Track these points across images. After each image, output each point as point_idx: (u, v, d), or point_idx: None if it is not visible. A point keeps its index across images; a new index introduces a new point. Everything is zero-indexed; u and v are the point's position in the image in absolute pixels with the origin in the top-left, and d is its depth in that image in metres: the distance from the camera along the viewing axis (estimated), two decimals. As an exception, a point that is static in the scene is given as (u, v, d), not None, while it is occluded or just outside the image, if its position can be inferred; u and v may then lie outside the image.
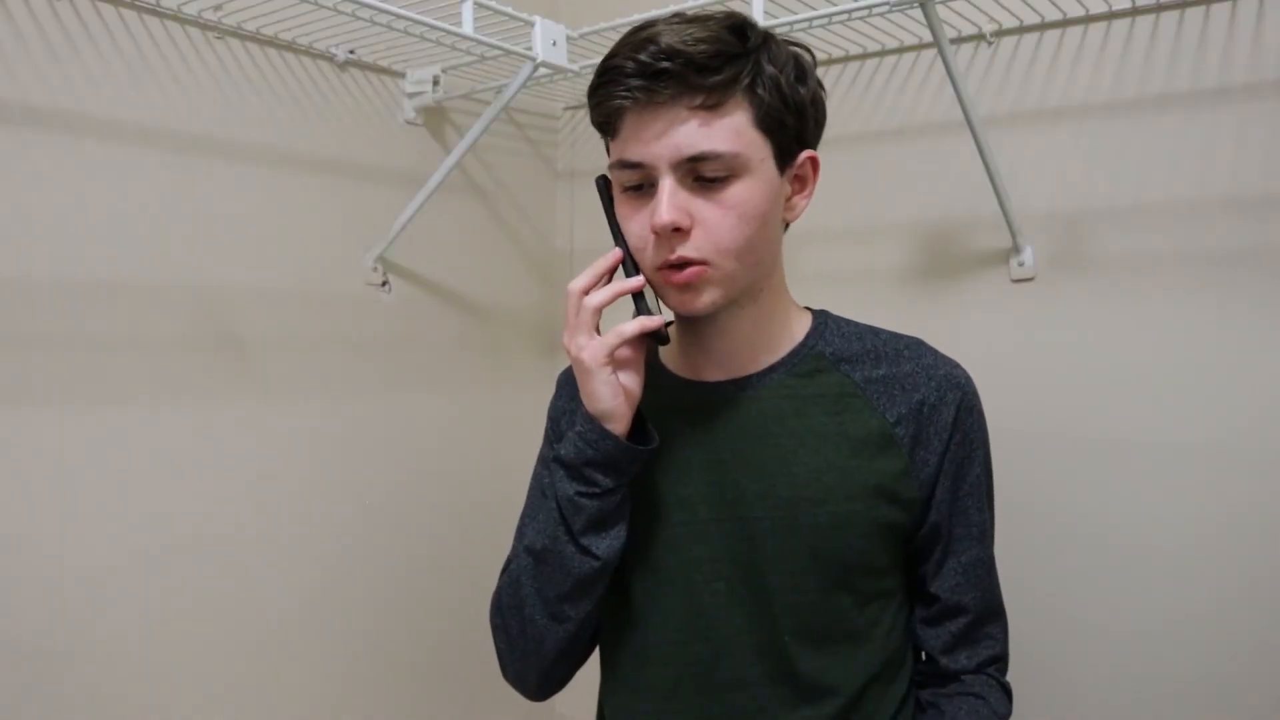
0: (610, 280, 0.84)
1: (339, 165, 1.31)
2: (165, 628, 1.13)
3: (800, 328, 0.91)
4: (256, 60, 1.22)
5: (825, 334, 0.90)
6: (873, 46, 1.29)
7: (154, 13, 1.11)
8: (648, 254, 0.82)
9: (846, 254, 1.32)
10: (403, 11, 1.06)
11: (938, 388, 0.86)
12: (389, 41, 1.25)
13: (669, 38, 0.76)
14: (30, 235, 1.02)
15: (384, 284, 1.37)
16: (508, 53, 1.15)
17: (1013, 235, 1.16)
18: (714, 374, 0.89)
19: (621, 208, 0.84)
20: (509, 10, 1.12)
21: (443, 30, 1.10)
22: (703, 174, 0.78)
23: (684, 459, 0.88)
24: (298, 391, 1.26)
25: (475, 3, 1.09)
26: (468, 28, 1.09)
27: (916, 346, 0.90)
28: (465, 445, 1.49)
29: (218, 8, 1.15)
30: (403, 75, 1.39)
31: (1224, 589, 1.06)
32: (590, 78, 0.82)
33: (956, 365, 0.89)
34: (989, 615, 0.91)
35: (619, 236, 0.85)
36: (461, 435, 1.48)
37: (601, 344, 0.82)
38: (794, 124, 0.81)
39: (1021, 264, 1.18)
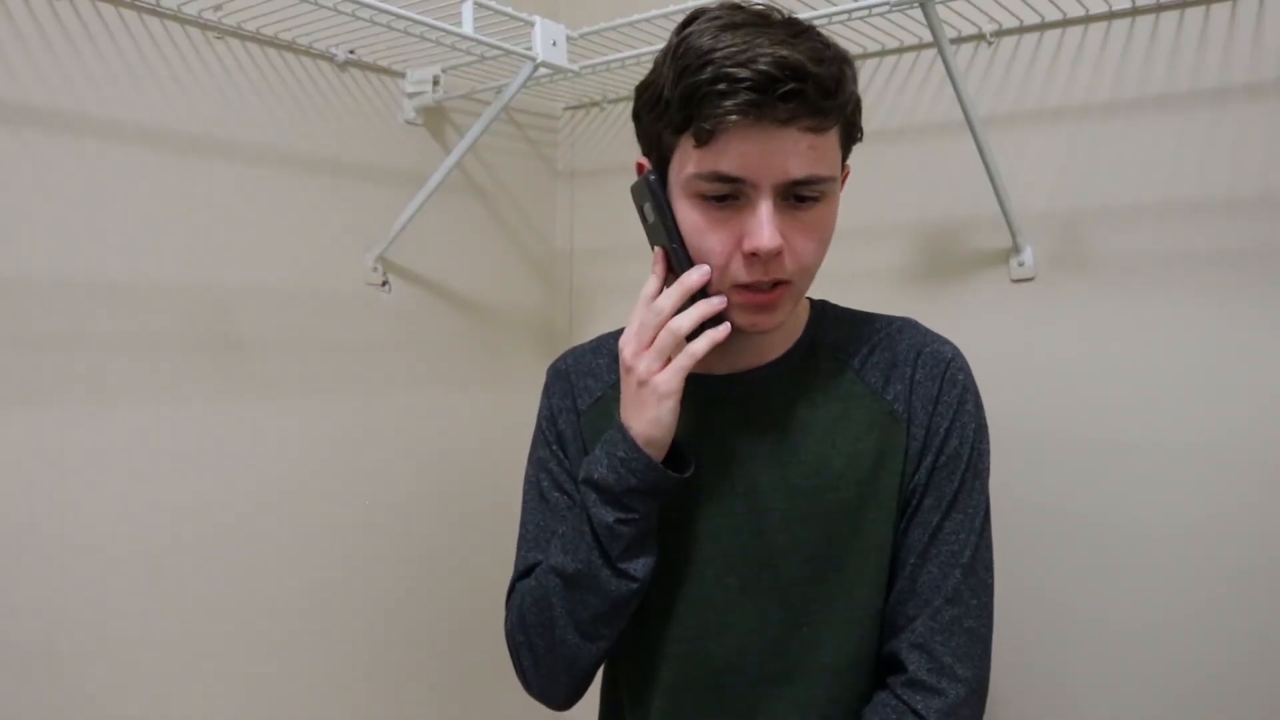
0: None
1: (339, 165, 1.31)
2: (165, 628, 1.13)
3: (801, 319, 0.91)
4: (256, 60, 1.22)
5: (824, 323, 0.91)
6: (873, 46, 1.29)
7: (154, 13, 1.11)
8: (730, 271, 0.78)
9: (846, 254, 1.31)
10: (403, 11, 1.06)
11: (924, 363, 0.86)
12: (389, 41, 1.25)
13: (787, 51, 0.71)
14: (30, 235, 1.02)
15: (384, 284, 1.37)
16: (508, 53, 1.15)
17: (1013, 235, 1.16)
18: (721, 368, 0.89)
19: (697, 218, 0.78)
20: (509, 10, 1.12)
21: (443, 30, 1.10)
22: (797, 194, 0.76)
23: (694, 454, 0.87)
24: (298, 391, 1.26)
25: (475, 3, 1.09)
26: (468, 28, 1.09)
27: (909, 327, 0.90)
28: (465, 444, 1.48)
29: (218, 8, 1.15)
30: (403, 75, 1.39)
31: (1223, 588, 1.06)
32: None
33: (945, 342, 0.89)
34: (931, 599, 0.82)
35: (677, 240, 0.80)
36: (461, 435, 1.48)
37: (676, 370, 0.79)
38: (854, 139, 0.82)
39: (1021, 264, 1.18)
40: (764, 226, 0.75)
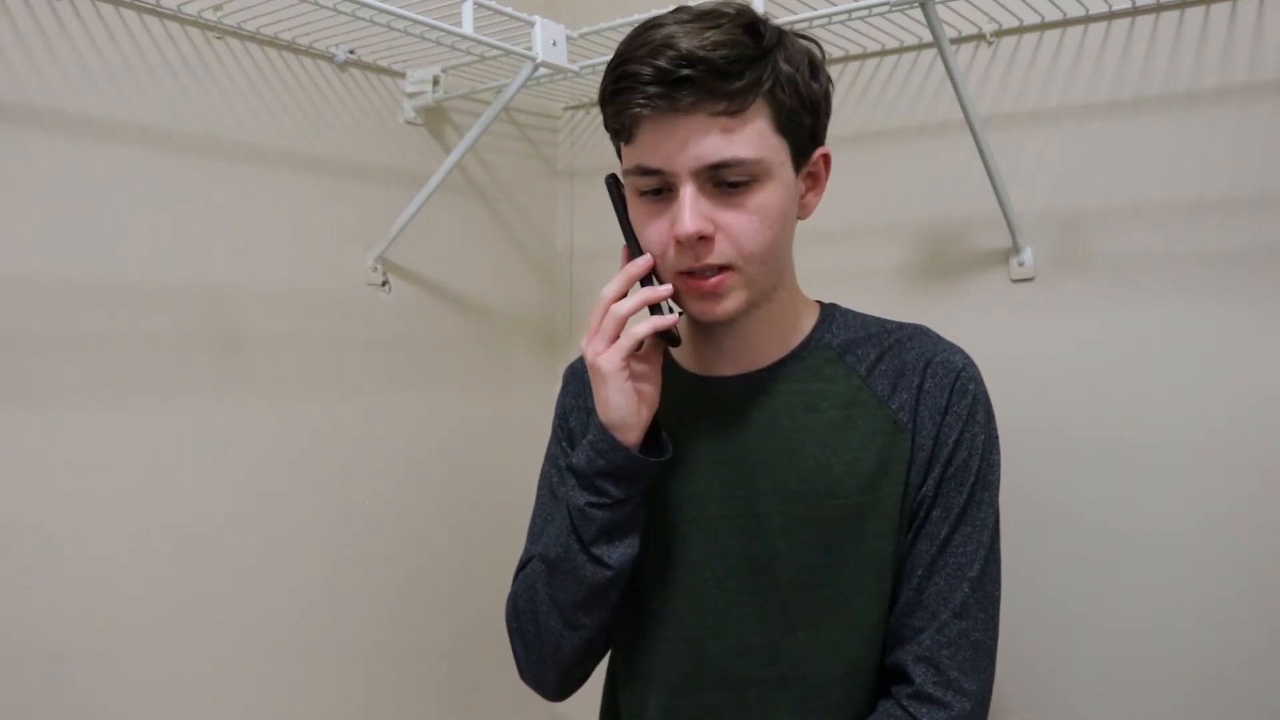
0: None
1: (339, 165, 1.31)
2: (165, 628, 1.13)
3: (808, 321, 0.91)
4: (256, 60, 1.22)
5: (832, 326, 0.91)
6: (873, 46, 1.29)
7: (154, 13, 1.11)
8: (668, 260, 0.81)
9: (846, 254, 1.32)
10: (403, 11, 1.06)
11: (933, 372, 0.85)
12: (389, 41, 1.25)
13: (687, 42, 0.74)
14: (30, 235, 1.02)
15: (384, 284, 1.37)
16: (508, 53, 1.15)
17: (1013, 235, 1.16)
18: (724, 369, 0.89)
19: (637, 212, 0.83)
20: (509, 10, 1.12)
21: (443, 30, 1.10)
22: (724, 180, 0.77)
23: (694, 455, 0.88)
24: (298, 392, 1.26)
25: (475, 3, 1.09)
26: (468, 28, 1.09)
27: (920, 335, 0.89)
28: (466, 445, 1.48)
29: (218, 8, 1.15)
30: (403, 75, 1.39)
31: (1224, 588, 1.06)
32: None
33: (956, 351, 0.87)
34: (939, 612, 0.82)
35: (632, 238, 0.84)
36: (462, 435, 1.48)
37: (617, 349, 0.81)
38: (810, 123, 0.81)
39: (1021, 264, 1.18)
40: (683, 212, 0.77)
